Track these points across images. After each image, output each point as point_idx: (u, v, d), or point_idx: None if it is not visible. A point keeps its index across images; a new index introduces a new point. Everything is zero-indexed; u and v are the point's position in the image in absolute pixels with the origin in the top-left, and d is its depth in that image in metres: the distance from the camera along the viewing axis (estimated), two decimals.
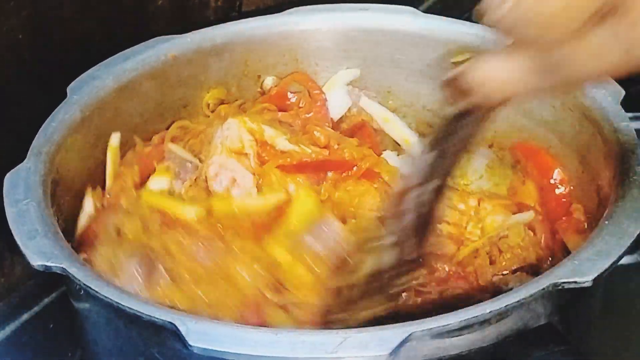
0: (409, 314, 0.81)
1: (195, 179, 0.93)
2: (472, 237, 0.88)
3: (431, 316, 0.69)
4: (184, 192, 0.92)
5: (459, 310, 0.68)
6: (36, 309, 0.99)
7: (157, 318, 0.68)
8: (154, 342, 0.72)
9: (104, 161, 0.93)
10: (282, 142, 0.93)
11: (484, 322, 0.69)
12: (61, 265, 0.73)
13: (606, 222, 0.75)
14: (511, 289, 0.74)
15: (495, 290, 0.83)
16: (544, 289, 0.69)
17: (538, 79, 0.62)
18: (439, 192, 0.76)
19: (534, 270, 0.85)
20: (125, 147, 0.95)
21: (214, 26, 1.01)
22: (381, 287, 0.79)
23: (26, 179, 0.81)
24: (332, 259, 0.83)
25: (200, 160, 0.94)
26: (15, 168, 0.82)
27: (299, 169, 0.91)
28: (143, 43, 0.97)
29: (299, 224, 0.86)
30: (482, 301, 0.70)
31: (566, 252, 0.86)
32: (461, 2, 1.40)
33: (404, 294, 0.82)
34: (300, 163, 0.92)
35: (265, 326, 0.77)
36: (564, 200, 0.91)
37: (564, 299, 0.73)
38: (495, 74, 0.64)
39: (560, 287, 0.70)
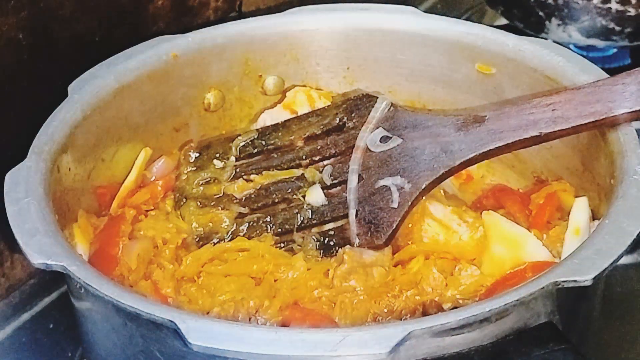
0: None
1: None
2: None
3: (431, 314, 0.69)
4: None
5: (459, 309, 0.69)
6: (36, 308, 0.99)
7: (157, 316, 0.68)
8: (154, 340, 0.72)
9: (105, 160, 0.93)
10: None
11: (483, 321, 0.69)
12: (61, 264, 0.73)
13: (606, 222, 0.75)
14: None
15: None
16: (543, 287, 0.69)
17: None
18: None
19: None
20: (124, 146, 0.95)
21: (215, 26, 1.01)
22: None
23: (27, 178, 0.81)
24: None
25: None
26: (16, 167, 0.82)
27: None
28: (144, 43, 0.97)
29: None
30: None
31: None
32: (461, 2, 1.40)
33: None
34: None
35: None
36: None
37: (564, 298, 0.73)
38: None
39: (560, 286, 0.70)
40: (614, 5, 1.17)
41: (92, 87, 0.92)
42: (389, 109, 0.91)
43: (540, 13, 1.23)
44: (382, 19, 1.02)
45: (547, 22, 1.23)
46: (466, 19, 1.02)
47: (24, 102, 0.93)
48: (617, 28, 1.19)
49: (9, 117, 0.92)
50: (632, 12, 1.17)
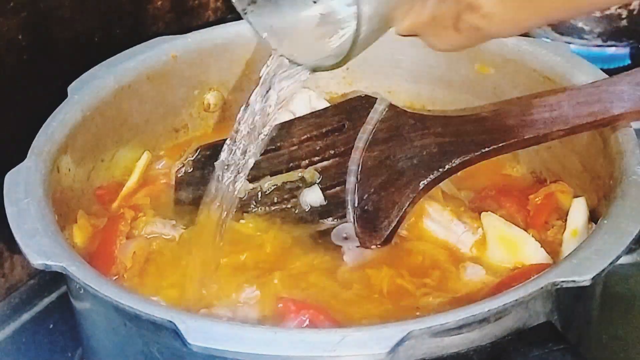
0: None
1: None
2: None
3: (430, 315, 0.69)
4: None
5: (458, 309, 0.68)
6: (36, 309, 0.99)
7: (156, 316, 0.69)
8: (154, 340, 0.72)
9: (104, 160, 0.93)
10: None
11: (482, 321, 0.69)
12: (61, 264, 0.73)
13: (605, 222, 0.75)
14: None
15: None
16: (542, 287, 0.69)
17: None
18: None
19: None
20: (124, 147, 0.95)
21: (215, 26, 1.01)
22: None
23: (27, 178, 0.81)
24: None
25: None
26: (15, 167, 0.82)
27: None
28: (143, 43, 0.98)
29: None
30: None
31: None
32: None
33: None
34: None
35: None
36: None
37: (563, 298, 0.73)
38: None
39: (559, 286, 0.70)
40: None
41: (92, 87, 0.92)
42: (388, 110, 0.91)
43: None
44: None
45: None
46: None
47: (24, 103, 0.93)
48: (587, 28, 1.19)
49: (9, 117, 0.92)
50: (598, 13, 1.17)
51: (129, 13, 1.02)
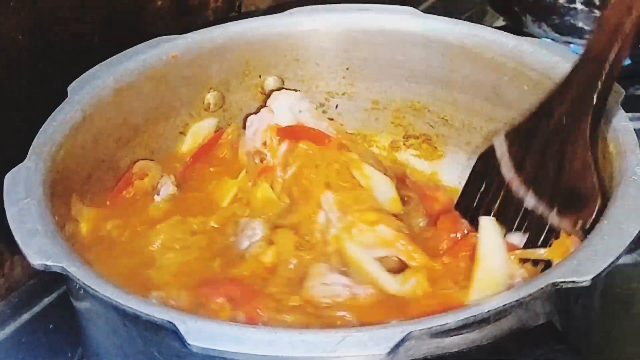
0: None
1: None
2: None
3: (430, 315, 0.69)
4: None
5: (458, 310, 0.69)
6: (36, 309, 0.99)
7: (156, 317, 0.69)
8: (154, 341, 0.72)
9: (104, 161, 0.93)
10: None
11: (482, 321, 0.69)
12: (61, 265, 0.73)
13: (605, 222, 0.75)
14: None
15: None
16: (542, 288, 0.69)
17: None
18: None
19: None
20: (124, 147, 0.95)
21: (215, 26, 1.01)
22: None
23: (27, 179, 0.81)
24: None
25: None
26: (16, 167, 0.82)
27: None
28: (144, 43, 0.98)
29: None
30: None
31: None
32: (461, 2, 1.41)
33: None
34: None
35: None
36: None
37: (563, 298, 0.74)
38: None
39: (559, 287, 0.70)
40: (579, 6, 1.18)
41: (92, 87, 0.92)
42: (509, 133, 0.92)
43: (517, 8, 1.23)
44: (382, 19, 1.02)
45: (523, 18, 1.23)
46: (466, 19, 1.02)
47: (24, 102, 0.93)
48: (586, 28, 1.19)
49: (9, 117, 0.92)
50: (597, 13, 1.17)
51: (129, 13, 1.02)
